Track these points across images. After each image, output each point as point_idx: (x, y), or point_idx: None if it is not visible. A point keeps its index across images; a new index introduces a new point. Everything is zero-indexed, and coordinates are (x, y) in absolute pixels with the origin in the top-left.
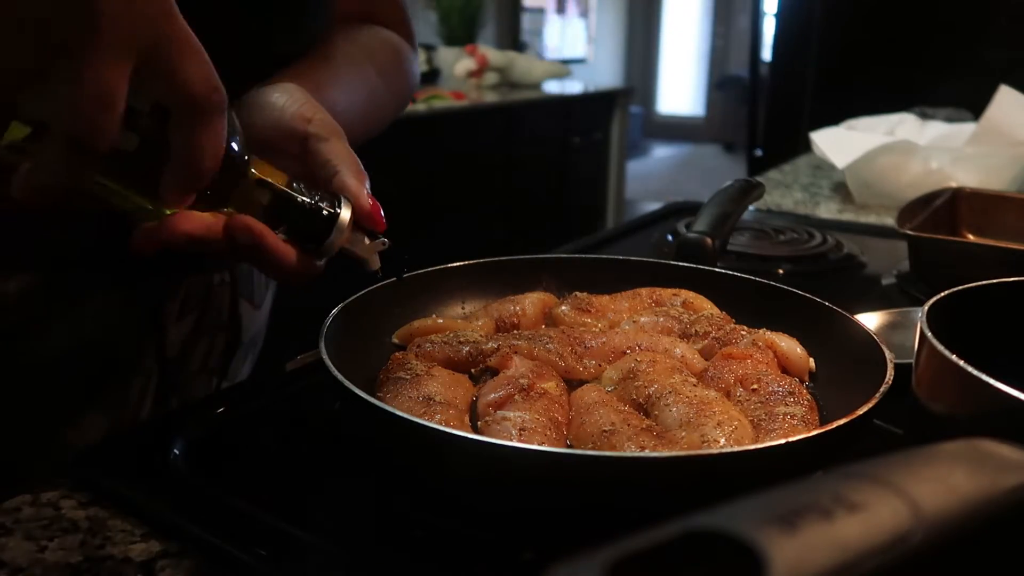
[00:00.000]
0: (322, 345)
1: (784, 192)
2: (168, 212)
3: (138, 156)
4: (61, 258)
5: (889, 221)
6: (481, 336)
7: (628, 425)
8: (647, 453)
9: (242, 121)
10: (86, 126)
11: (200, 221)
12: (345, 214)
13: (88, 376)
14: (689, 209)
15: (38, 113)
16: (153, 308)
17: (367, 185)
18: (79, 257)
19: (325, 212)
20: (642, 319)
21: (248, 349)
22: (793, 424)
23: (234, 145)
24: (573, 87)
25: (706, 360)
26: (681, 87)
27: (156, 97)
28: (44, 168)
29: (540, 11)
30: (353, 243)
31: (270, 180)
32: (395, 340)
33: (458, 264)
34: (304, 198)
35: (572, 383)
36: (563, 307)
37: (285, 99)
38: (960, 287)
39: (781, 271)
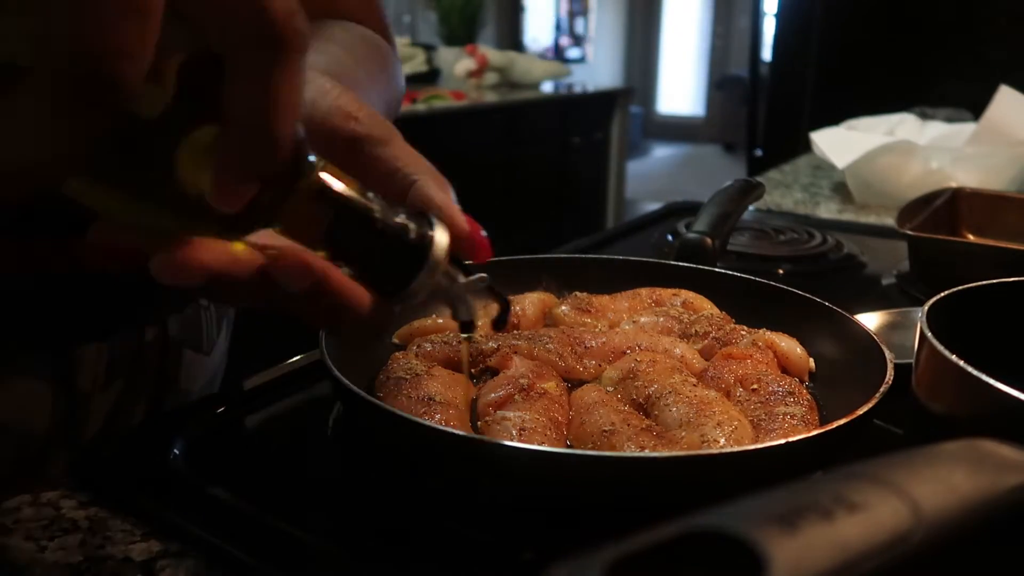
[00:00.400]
0: (322, 345)
1: (784, 192)
2: (181, 230)
3: (160, 129)
4: None
5: (889, 221)
6: (481, 336)
7: (628, 425)
8: (647, 453)
9: None
10: (105, 45)
11: (224, 252)
12: (441, 238)
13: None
14: (689, 209)
15: (15, 38)
16: (68, 385)
17: (454, 198)
18: None
19: (414, 236)
20: (642, 319)
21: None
22: (793, 424)
23: (299, 128)
24: (573, 87)
25: (706, 360)
26: (681, 87)
27: (209, 30)
28: (18, 127)
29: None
30: (448, 280)
31: (340, 187)
32: (395, 340)
33: None
34: (386, 216)
35: (572, 383)
36: (563, 307)
37: (311, 91)
38: (960, 287)
39: (781, 271)
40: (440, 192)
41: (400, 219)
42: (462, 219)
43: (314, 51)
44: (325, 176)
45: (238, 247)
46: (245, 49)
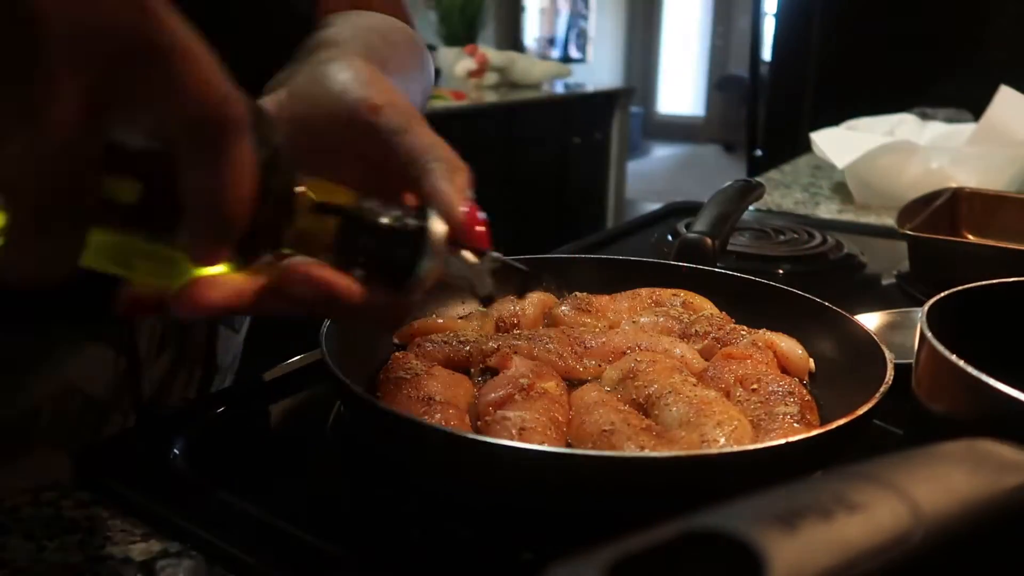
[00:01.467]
0: (322, 345)
1: (784, 192)
2: (192, 274)
3: (144, 209)
4: (46, 313)
5: (889, 221)
6: (481, 336)
7: (628, 425)
8: (647, 453)
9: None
10: (51, 185)
11: (228, 287)
12: (437, 228)
13: (65, 420)
14: (689, 209)
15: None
16: (130, 350)
17: (467, 185)
18: (64, 311)
19: (410, 229)
20: (642, 319)
21: (226, 373)
22: (793, 424)
23: (275, 165)
24: (573, 87)
25: (706, 360)
26: (681, 87)
27: (144, 127)
28: (15, 252)
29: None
30: (452, 266)
31: (333, 203)
32: (395, 340)
33: None
34: (379, 217)
35: (572, 383)
36: (563, 307)
37: (347, 77)
38: (960, 287)
39: (781, 271)
40: (444, 182)
41: (393, 217)
42: (458, 210)
43: (359, 38)
44: (317, 195)
45: (239, 279)
46: (181, 142)
